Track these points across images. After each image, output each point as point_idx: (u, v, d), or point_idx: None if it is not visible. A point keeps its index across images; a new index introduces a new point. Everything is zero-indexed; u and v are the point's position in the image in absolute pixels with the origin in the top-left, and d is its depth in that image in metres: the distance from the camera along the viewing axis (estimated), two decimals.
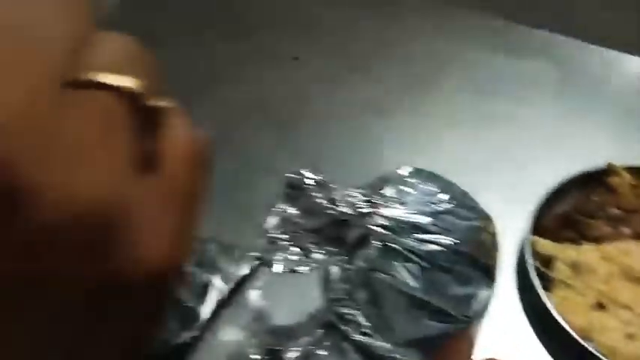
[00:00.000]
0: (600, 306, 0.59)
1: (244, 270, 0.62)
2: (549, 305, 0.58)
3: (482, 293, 0.47)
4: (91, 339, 0.16)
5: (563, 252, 0.63)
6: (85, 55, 0.14)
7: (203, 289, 0.61)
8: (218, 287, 0.63)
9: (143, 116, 0.15)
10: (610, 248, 0.62)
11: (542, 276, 0.63)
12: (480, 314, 0.47)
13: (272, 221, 0.49)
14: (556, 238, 0.65)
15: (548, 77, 0.88)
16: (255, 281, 0.54)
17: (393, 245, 0.45)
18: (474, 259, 0.47)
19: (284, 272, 0.46)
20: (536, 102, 0.84)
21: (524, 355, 0.58)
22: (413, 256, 0.45)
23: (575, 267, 0.62)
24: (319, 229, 0.48)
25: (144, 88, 0.14)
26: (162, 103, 0.16)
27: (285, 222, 0.49)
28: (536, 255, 0.64)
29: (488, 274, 0.48)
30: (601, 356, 0.55)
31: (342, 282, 0.46)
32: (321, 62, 0.88)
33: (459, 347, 0.48)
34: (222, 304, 0.61)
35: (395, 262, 0.45)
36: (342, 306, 0.45)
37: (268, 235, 0.48)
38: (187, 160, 0.17)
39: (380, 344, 0.44)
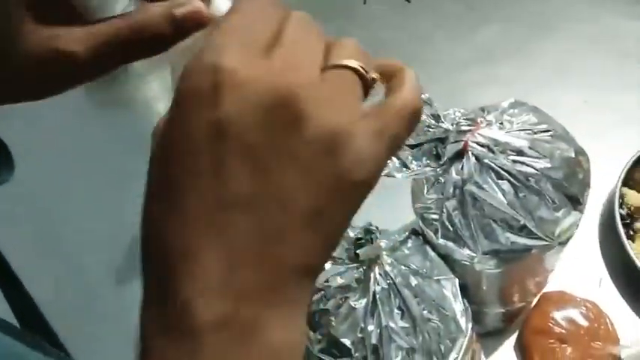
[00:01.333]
0: None
1: None
2: (630, 250, 0.60)
3: (567, 220, 0.49)
4: None
5: None
6: (334, 50, 0.24)
7: None
8: None
9: (366, 83, 0.24)
10: None
11: (626, 225, 0.64)
12: (562, 239, 0.50)
13: None
14: None
15: None
16: None
17: (488, 162, 0.48)
18: (564, 187, 0.49)
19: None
20: None
21: (599, 295, 0.60)
22: (506, 174, 0.48)
23: None
24: (420, 143, 0.52)
25: (364, 66, 0.24)
26: (374, 75, 0.25)
27: None
28: (624, 205, 0.65)
29: (575, 204, 0.50)
30: None
31: (434, 192, 0.50)
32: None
33: (535, 267, 0.51)
34: None
35: (487, 178, 0.48)
36: (431, 213, 0.49)
37: None
38: (401, 113, 0.24)
39: (459, 249, 0.48)
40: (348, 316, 0.45)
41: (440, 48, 0.84)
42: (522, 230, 0.48)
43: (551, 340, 0.56)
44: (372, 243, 0.46)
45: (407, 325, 0.44)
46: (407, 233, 0.51)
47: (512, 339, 0.60)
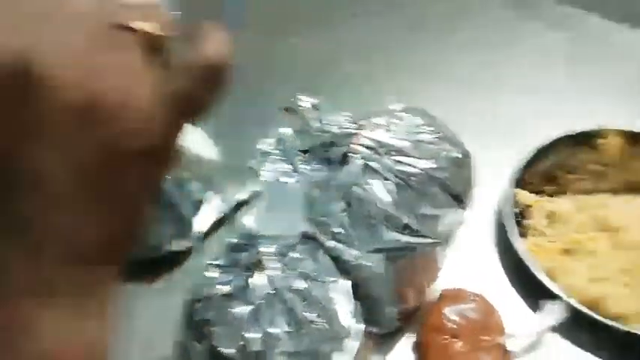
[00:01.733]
0: (568, 252, 0.63)
1: (242, 195, 0.66)
2: (520, 247, 0.62)
3: (449, 218, 0.51)
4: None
5: (541, 203, 0.66)
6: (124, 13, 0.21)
7: (199, 203, 0.65)
8: (216, 205, 0.67)
9: (154, 43, 0.21)
10: (585, 199, 0.65)
11: (518, 223, 0.66)
12: (445, 237, 0.51)
13: (268, 140, 0.53)
14: (537, 191, 0.68)
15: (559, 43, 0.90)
16: (251, 207, 0.58)
17: (373, 163, 0.49)
18: (448, 186, 0.51)
19: (270, 181, 0.50)
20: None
21: (493, 289, 0.62)
22: (390, 175, 0.49)
23: (551, 217, 0.65)
24: (309, 148, 0.52)
25: (156, 28, 0.21)
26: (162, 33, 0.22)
27: (280, 141, 0.53)
28: (516, 204, 0.67)
29: (458, 202, 0.51)
30: (562, 295, 0.58)
31: (324, 195, 0.50)
32: None
33: (425, 265, 0.52)
34: (219, 222, 0.66)
35: (372, 179, 0.49)
36: (321, 216, 0.49)
37: (261, 149, 0.52)
38: (191, 69, 0.22)
39: (348, 250, 0.48)
40: (230, 325, 0.44)
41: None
42: (406, 229, 0.49)
43: (445, 336, 0.57)
44: (253, 248, 0.45)
45: (291, 329, 0.44)
46: (298, 238, 0.51)
47: (411, 338, 0.61)
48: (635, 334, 0.57)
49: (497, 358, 0.56)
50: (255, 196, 0.54)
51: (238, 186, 0.66)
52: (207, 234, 0.66)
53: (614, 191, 0.66)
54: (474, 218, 0.69)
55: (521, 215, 0.67)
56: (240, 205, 0.67)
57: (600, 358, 0.59)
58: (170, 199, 0.60)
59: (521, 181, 0.68)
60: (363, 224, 0.48)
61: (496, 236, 0.68)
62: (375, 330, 0.59)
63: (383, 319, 0.58)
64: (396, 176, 0.49)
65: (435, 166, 0.50)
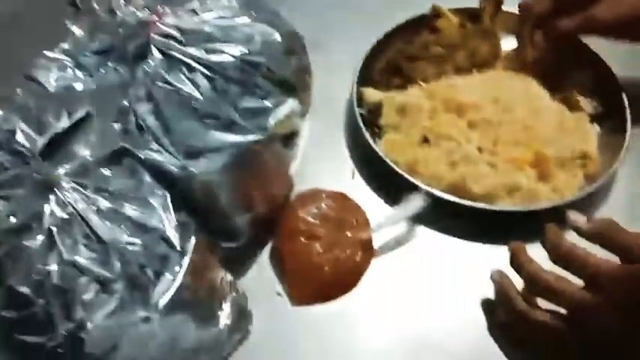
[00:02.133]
0: (425, 141, 0.59)
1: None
2: (374, 146, 0.58)
3: (281, 109, 0.45)
4: None
5: (390, 98, 0.62)
6: None
7: None
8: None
9: None
10: (433, 85, 0.62)
11: (372, 122, 0.62)
12: (281, 130, 0.45)
13: (62, 45, 0.45)
14: (385, 87, 0.64)
15: None
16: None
17: (176, 55, 0.42)
18: (272, 73, 0.45)
19: (57, 89, 0.41)
20: None
21: (353, 191, 0.58)
22: (199, 67, 0.42)
23: (402, 110, 0.61)
24: (104, 49, 0.44)
25: None
26: None
27: (72, 42, 0.45)
28: (365, 104, 0.63)
29: (289, 91, 0.46)
30: (422, 185, 0.55)
31: (125, 100, 0.42)
32: None
33: (265, 165, 0.46)
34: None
35: (178, 73, 0.42)
36: (128, 123, 0.42)
37: (46, 54, 0.43)
38: None
39: (164, 158, 0.41)
40: (22, 260, 0.36)
41: None
42: (229, 126, 0.42)
43: (302, 239, 0.52)
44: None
45: (97, 255, 0.37)
46: (108, 153, 0.43)
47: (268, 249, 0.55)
48: (501, 211, 0.55)
49: (358, 256, 0.52)
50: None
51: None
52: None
53: (459, 71, 0.63)
54: (326, 120, 0.64)
55: (371, 114, 0.62)
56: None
57: (467, 241, 0.56)
58: None
59: (368, 78, 0.64)
60: (177, 126, 0.41)
61: (350, 136, 0.64)
62: (224, 243, 0.53)
63: (231, 230, 0.52)
64: (207, 67, 0.42)
65: (248, 50, 0.43)
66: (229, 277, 0.49)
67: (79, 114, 0.45)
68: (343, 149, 0.62)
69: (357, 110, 0.60)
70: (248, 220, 0.51)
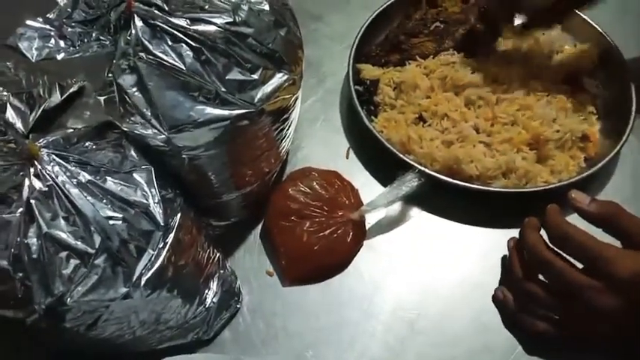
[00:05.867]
0: (421, 119, 0.58)
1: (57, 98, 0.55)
2: (367, 123, 0.57)
3: (271, 83, 0.43)
4: None
5: (387, 74, 0.61)
6: None
7: None
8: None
9: None
10: (431, 62, 0.60)
11: (367, 101, 0.61)
12: (269, 105, 0.44)
13: (49, 14, 0.44)
14: (384, 63, 0.62)
15: None
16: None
17: (159, 24, 0.40)
18: (259, 45, 0.43)
19: (41, 59, 0.40)
20: None
21: (347, 169, 0.57)
22: (182, 36, 0.40)
23: (399, 87, 0.60)
24: (95, 18, 0.43)
25: None
26: None
27: (60, 13, 0.43)
28: (362, 81, 0.61)
29: (279, 64, 0.44)
30: (415, 164, 0.53)
31: (109, 71, 0.41)
32: None
33: (247, 137, 0.44)
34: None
35: (161, 43, 0.40)
36: (106, 94, 0.41)
37: (29, 23, 0.42)
38: None
39: (148, 132, 0.40)
40: (0, 234, 0.35)
41: None
42: (215, 99, 0.41)
43: (292, 217, 0.51)
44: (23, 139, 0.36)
45: (77, 228, 0.36)
46: (92, 127, 0.42)
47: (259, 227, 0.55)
48: (494, 191, 0.54)
49: (349, 236, 0.51)
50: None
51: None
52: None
53: (457, 48, 0.62)
54: (321, 97, 0.63)
55: (367, 92, 0.61)
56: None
57: (461, 223, 0.55)
58: None
59: (366, 54, 0.62)
60: (160, 99, 0.40)
61: (345, 113, 0.62)
62: (213, 221, 0.52)
63: (227, 208, 0.51)
64: (192, 37, 0.41)
65: (234, 20, 0.42)
66: (218, 255, 0.48)
67: (73, 88, 0.44)
68: (338, 127, 0.61)
69: (353, 87, 0.59)
70: (237, 198, 0.50)
